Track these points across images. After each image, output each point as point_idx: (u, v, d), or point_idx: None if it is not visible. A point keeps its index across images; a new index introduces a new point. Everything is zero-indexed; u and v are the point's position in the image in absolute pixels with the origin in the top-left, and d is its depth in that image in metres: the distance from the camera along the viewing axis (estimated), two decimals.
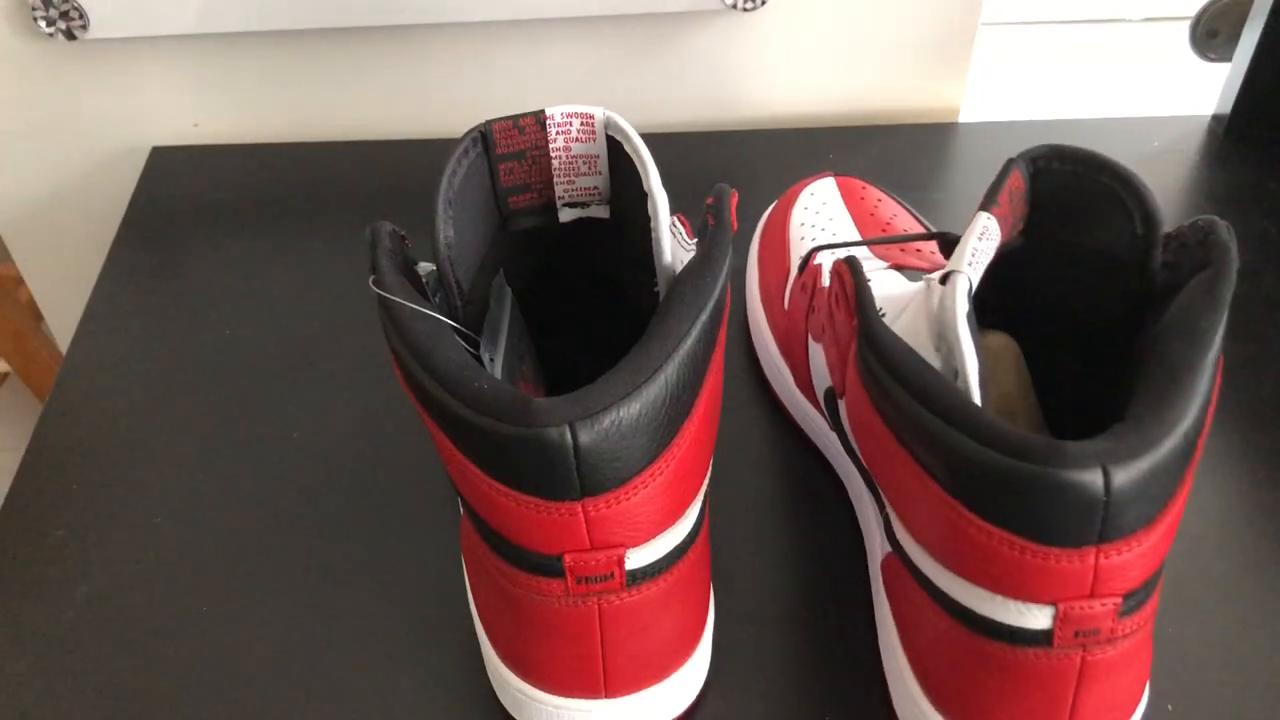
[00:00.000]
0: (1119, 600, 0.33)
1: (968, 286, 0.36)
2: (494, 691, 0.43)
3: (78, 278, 0.75)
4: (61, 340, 0.83)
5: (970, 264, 0.37)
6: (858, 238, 0.53)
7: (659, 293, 0.39)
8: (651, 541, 0.36)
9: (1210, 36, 0.68)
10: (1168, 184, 0.65)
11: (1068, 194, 0.40)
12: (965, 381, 0.35)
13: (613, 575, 0.36)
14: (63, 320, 0.81)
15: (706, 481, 0.39)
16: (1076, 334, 0.42)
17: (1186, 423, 0.32)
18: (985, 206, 0.38)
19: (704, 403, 0.36)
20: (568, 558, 0.35)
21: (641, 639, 0.38)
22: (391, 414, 0.54)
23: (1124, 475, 0.31)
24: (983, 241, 0.37)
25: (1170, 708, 0.43)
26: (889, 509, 0.40)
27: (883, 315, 0.42)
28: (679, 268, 0.38)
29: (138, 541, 0.49)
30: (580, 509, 0.34)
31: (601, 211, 0.43)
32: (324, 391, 0.55)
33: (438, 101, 0.71)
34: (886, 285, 0.44)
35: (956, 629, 0.36)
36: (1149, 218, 0.38)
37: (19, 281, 1.10)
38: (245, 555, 0.49)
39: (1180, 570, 0.46)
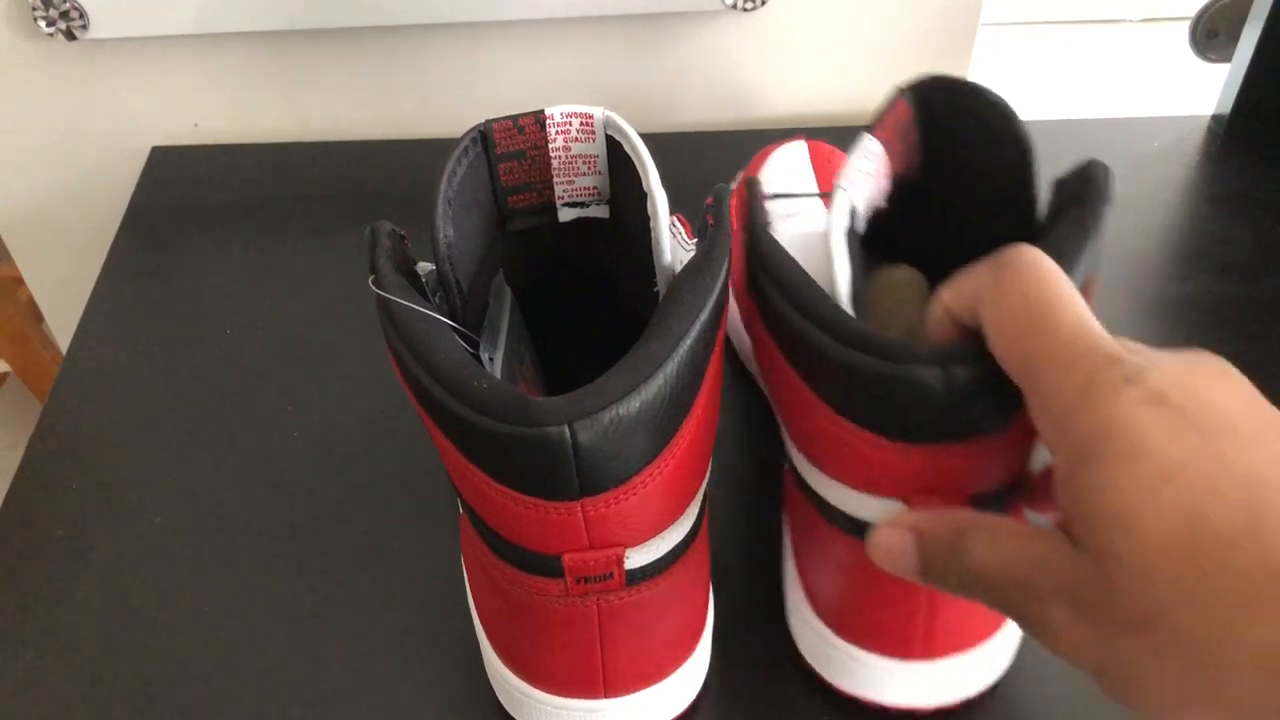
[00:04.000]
0: None
1: (847, 203, 0.38)
2: (494, 691, 0.43)
3: (78, 278, 0.75)
4: (61, 340, 0.83)
5: (852, 182, 0.38)
6: (814, 191, 0.53)
7: (659, 293, 0.39)
8: (651, 541, 0.36)
9: (1210, 36, 0.69)
10: (1168, 184, 0.65)
11: (954, 123, 0.40)
12: (836, 292, 0.36)
13: (612, 575, 0.36)
14: (63, 320, 0.81)
15: (706, 481, 0.39)
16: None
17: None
18: (869, 129, 0.40)
19: (703, 402, 0.36)
20: (567, 557, 0.35)
21: (641, 639, 0.38)
22: (391, 414, 0.54)
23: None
24: (865, 161, 0.39)
25: None
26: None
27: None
28: (679, 268, 0.38)
29: (138, 541, 0.49)
30: (579, 508, 0.34)
31: (601, 211, 0.43)
32: (324, 391, 0.55)
33: (438, 101, 0.71)
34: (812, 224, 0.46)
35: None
36: (1020, 143, 0.38)
37: (19, 281, 1.11)
38: (245, 555, 0.49)
39: None
